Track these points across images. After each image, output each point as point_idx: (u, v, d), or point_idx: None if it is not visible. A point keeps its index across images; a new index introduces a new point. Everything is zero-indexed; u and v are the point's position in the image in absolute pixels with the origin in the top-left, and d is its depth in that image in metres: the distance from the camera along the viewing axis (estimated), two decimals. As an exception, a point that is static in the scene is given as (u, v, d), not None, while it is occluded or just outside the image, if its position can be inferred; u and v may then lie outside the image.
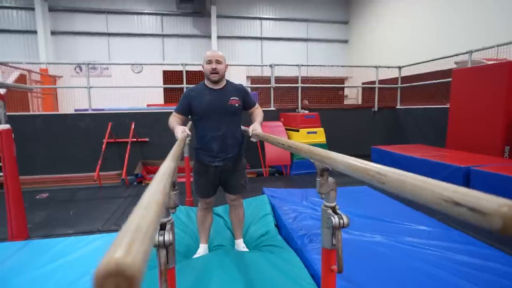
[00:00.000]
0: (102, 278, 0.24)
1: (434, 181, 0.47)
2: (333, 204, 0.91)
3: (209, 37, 11.51)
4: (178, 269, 1.82)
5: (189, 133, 1.78)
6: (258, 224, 2.44)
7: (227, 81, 2.05)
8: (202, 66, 1.96)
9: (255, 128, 1.91)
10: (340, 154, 0.76)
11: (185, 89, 5.75)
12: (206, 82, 1.99)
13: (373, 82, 6.83)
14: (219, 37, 11.64)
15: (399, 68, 6.85)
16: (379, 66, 6.73)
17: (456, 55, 5.46)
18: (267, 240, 2.19)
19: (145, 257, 0.28)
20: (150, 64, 7.62)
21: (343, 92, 11.45)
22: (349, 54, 12.90)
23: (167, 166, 0.65)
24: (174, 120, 1.95)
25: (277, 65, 6.32)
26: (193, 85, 2.10)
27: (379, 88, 6.72)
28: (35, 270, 2.06)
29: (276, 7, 12.34)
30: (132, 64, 8.92)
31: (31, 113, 6.07)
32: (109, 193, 4.24)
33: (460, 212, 0.41)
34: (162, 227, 0.81)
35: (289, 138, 5.43)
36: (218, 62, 1.92)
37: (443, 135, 4.88)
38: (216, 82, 1.96)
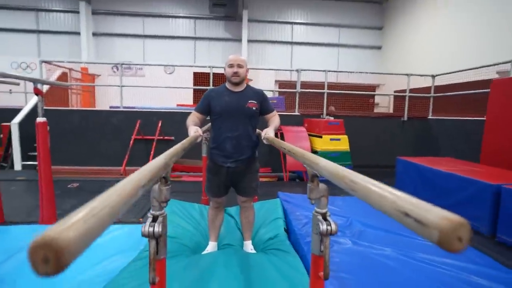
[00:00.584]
0: (32, 249, 0.28)
1: (394, 191, 0.47)
2: (323, 211, 0.90)
3: (240, 40, 11.70)
4: (185, 263, 1.89)
5: (201, 133, 1.83)
6: (268, 227, 2.45)
7: (248, 85, 2.13)
8: (224, 69, 2.06)
9: (268, 132, 1.94)
10: (324, 160, 0.77)
11: (211, 91, 5.91)
12: (227, 84, 2.08)
13: (405, 91, 6.59)
14: (249, 41, 11.79)
15: (433, 76, 6.54)
16: (411, 74, 6.48)
17: (495, 64, 5.13)
18: (275, 244, 2.20)
19: (83, 234, 0.32)
20: (180, 66, 7.87)
21: (374, 100, 11.12)
22: (382, 61, 12.52)
23: (153, 162, 0.69)
24: (191, 120, 2.01)
25: (304, 70, 6.29)
26: (215, 87, 2.19)
27: (410, 97, 6.47)
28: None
29: (308, 12, 12.29)
30: (164, 65, 9.28)
31: (69, 108, 6.51)
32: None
33: (409, 223, 0.40)
34: (154, 219, 0.86)
35: (311, 144, 5.37)
36: (239, 66, 2.01)
37: (478, 150, 4.59)
38: (236, 85, 2.04)
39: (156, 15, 11.58)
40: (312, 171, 0.90)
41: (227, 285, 1.55)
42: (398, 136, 6.45)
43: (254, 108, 2.03)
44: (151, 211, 0.88)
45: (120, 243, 2.36)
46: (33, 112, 5.58)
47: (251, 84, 2.33)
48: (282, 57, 12.32)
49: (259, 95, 2.09)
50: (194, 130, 1.82)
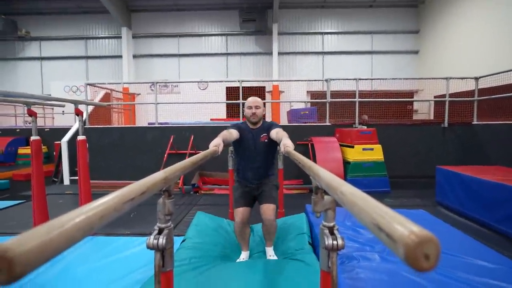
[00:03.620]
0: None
1: (374, 203, 0.44)
2: (330, 224, 0.87)
3: (271, 53, 11.84)
4: (212, 270, 1.95)
5: (220, 151, 1.82)
6: (292, 242, 2.42)
7: (263, 121, 2.43)
8: (243, 110, 2.41)
9: (287, 144, 1.88)
10: (323, 171, 0.74)
11: (241, 104, 6.02)
12: (248, 122, 2.40)
13: (446, 95, 6.19)
14: (280, 53, 11.90)
15: (476, 79, 6.09)
16: (450, 78, 6.09)
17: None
18: (298, 255, 2.14)
19: (42, 246, 0.33)
20: (211, 82, 8.13)
21: (412, 107, 10.56)
22: (420, 66, 11.92)
23: (150, 177, 0.71)
24: (222, 134, 2.06)
25: (333, 79, 6.19)
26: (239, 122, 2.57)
27: (453, 102, 6.05)
28: (94, 263, 2.36)
29: (338, 21, 12.15)
30: (198, 82, 9.66)
31: (109, 125, 6.98)
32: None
33: (383, 238, 0.37)
34: (160, 231, 0.88)
35: (343, 154, 5.21)
36: (257, 107, 2.35)
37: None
38: (254, 124, 2.37)
39: (190, 34, 12.17)
40: (316, 183, 0.87)
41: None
42: (439, 144, 6.03)
43: (265, 141, 2.33)
44: (157, 224, 0.91)
45: (149, 255, 2.45)
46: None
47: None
48: (313, 68, 12.24)
49: (268, 127, 2.37)
50: (214, 144, 1.84)
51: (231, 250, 2.48)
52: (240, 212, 2.30)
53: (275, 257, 2.31)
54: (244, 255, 2.37)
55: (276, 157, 2.45)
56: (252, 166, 2.36)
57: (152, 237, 0.85)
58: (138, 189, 0.61)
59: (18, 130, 9.19)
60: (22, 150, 8.46)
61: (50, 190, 5.38)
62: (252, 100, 2.38)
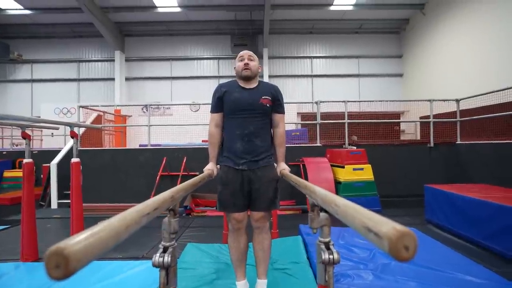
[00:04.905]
0: (47, 255, 0.36)
1: (364, 211, 0.51)
2: (326, 240, 0.93)
3: (261, 77, 12.18)
4: None
5: (215, 173, 1.83)
6: (288, 266, 2.32)
7: (260, 81, 1.95)
8: (234, 68, 1.94)
9: (283, 168, 1.83)
10: (319, 189, 0.81)
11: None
12: (238, 81, 1.92)
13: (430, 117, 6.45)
14: (270, 76, 12.25)
15: (457, 101, 6.39)
16: (433, 100, 6.38)
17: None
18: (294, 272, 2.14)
19: (89, 248, 0.40)
20: (203, 104, 8.28)
21: (399, 127, 10.89)
22: (405, 88, 12.43)
23: (160, 196, 0.78)
24: (213, 125, 1.89)
25: (323, 102, 6.40)
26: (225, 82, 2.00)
27: (438, 122, 6.29)
28: (88, 287, 2.32)
29: (326, 46, 12.68)
30: (190, 104, 9.79)
31: (101, 148, 6.96)
32: (159, 222, 4.53)
33: (371, 238, 0.45)
34: (165, 250, 0.92)
35: (334, 174, 5.31)
36: (250, 59, 1.89)
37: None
38: (247, 80, 1.87)
39: (182, 58, 12.46)
40: (312, 200, 0.94)
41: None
42: (426, 163, 6.22)
43: (268, 105, 1.85)
44: (162, 242, 0.95)
45: (145, 278, 2.43)
46: (70, 153, 6.03)
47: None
48: (303, 90, 12.61)
49: (273, 90, 1.91)
50: (208, 168, 1.83)
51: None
52: (234, 219, 1.83)
53: None
54: None
55: (271, 133, 1.96)
56: (242, 132, 1.79)
57: (157, 255, 0.90)
58: (152, 205, 0.67)
59: (4, 152, 9.03)
60: (8, 173, 8.28)
61: (38, 214, 5.25)
62: (245, 51, 1.95)
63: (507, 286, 1.88)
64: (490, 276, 2.02)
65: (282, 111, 1.94)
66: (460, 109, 6.40)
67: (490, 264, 2.20)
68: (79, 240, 0.40)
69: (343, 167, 5.20)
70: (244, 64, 1.85)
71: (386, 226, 0.42)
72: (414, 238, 0.39)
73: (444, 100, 6.49)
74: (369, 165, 5.21)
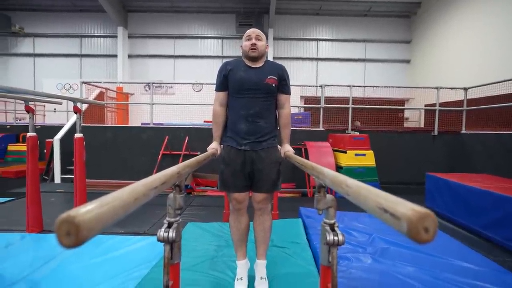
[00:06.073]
0: (58, 223, 0.35)
1: (377, 191, 0.50)
2: (331, 221, 0.92)
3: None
4: None
5: (218, 152, 1.82)
6: (287, 247, 2.34)
7: (267, 60, 1.90)
8: (241, 46, 1.88)
9: (288, 149, 1.84)
10: (327, 170, 0.80)
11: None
12: (244, 59, 1.87)
13: (436, 105, 6.37)
14: (275, 58, 12.05)
15: (465, 89, 6.29)
16: (440, 87, 6.28)
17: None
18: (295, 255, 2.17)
19: (99, 217, 0.39)
20: (206, 84, 8.19)
21: (403, 114, 10.80)
22: (411, 75, 12.22)
23: (167, 170, 0.77)
24: (218, 105, 1.89)
25: (327, 85, 6.31)
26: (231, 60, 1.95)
27: (443, 111, 6.22)
28: (88, 260, 2.36)
29: (333, 28, 12.39)
30: (192, 84, 9.70)
31: (104, 125, 6.95)
32: (160, 200, 4.59)
33: (387, 219, 0.44)
34: (169, 225, 0.93)
35: (336, 159, 5.31)
36: (258, 38, 1.82)
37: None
38: (254, 60, 1.82)
39: (186, 36, 12.22)
40: (319, 182, 0.93)
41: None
42: (428, 151, 6.20)
43: (274, 85, 1.80)
44: (166, 217, 0.95)
45: (146, 253, 2.47)
46: (73, 129, 6.03)
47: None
48: (307, 73, 12.43)
49: (280, 70, 1.86)
50: (212, 146, 1.82)
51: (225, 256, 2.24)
52: (235, 200, 1.82)
53: (266, 279, 1.83)
54: (240, 269, 1.87)
55: (276, 114, 1.92)
56: (247, 113, 1.78)
57: (162, 230, 0.90)
58: (159, 179, 0.66)
59: (8, 126, 9.04)
60: (12, 147, 8.33)
61: (41, 188, 5.31)
62: (252, 29, 1.86)
63: (505, 275, 1.91)
64: (489, 264, 2.04)
65: (288, 92, 1.90)
66: (467, 98, 6.31)
67: (489, 253, 2.23)
68: (90, 209, 0.39)
69: (345, 152, 5.20)
70: (252, 44, 1.79)
71: (404, 206, 0.40)
72: (434, 219, 0.38)
73: (452, 88, 6.38)
74: (371, 151, 5.20)
